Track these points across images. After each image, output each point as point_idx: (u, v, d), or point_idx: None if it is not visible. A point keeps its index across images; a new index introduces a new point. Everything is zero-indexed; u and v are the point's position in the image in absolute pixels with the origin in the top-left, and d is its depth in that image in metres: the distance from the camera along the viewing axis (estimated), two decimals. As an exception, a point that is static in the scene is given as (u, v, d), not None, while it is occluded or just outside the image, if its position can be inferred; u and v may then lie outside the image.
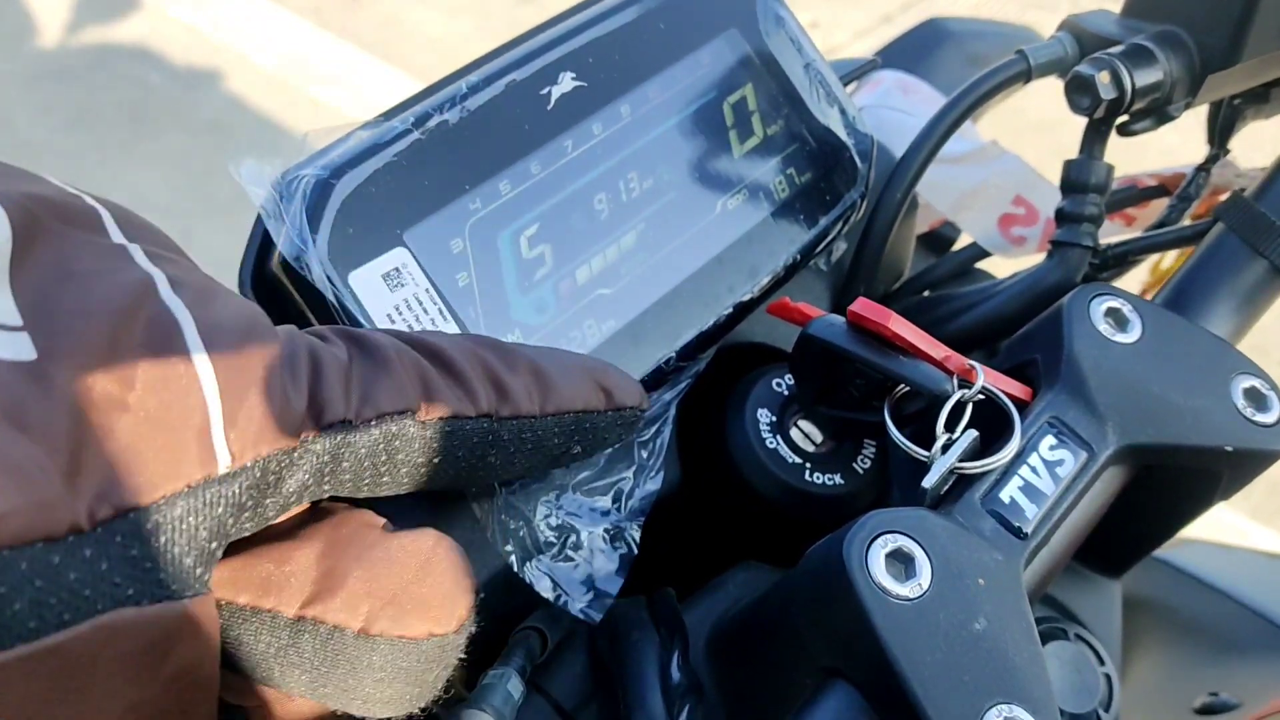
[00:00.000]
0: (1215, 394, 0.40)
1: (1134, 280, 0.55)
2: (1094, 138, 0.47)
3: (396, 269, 0.38)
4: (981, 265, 0.57)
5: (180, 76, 2.58)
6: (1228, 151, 0.52)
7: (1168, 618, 0.65)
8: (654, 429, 0.43)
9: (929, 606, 0.33)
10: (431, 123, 0.39)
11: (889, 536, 0.34)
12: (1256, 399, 0.41)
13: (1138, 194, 0.55)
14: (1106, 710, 0.42)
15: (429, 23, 2.80)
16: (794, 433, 0.45)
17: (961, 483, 0.37)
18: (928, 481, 0.37)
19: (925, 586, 0.33)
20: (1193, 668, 0.60)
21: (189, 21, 2.74)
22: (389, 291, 0.38)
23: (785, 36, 0.48)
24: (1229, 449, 0.39)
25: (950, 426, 0.38)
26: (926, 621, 0.33)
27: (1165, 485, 0.43)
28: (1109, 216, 0.56)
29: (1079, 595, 0.46)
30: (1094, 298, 0.41)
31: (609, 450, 0.42)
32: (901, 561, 0.34)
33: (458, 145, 0.40)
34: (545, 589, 0.39)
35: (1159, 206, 0.55)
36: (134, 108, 2.50)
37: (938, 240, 0.62)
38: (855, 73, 0.54)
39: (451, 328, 0.39)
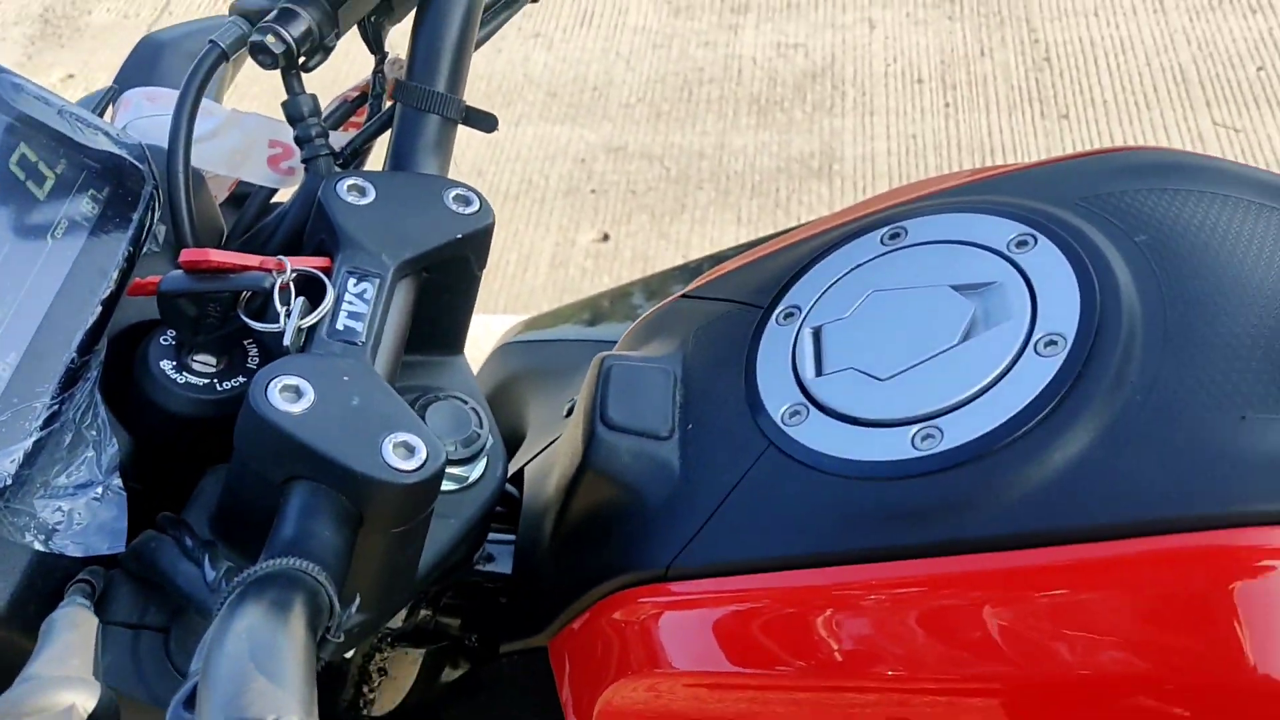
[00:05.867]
0: (436, 208, 0.62)
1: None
2: (289, 80, 0.65)
3: None
4: (278, 199, 0.74)
5: None
6: (386, 54, 0.72)
7: (543, 372, 0.91)
8: (91, 414, 0.56)
9: (319, 408, 0.51)
10: None
11: (276, 379, 0.51)
12: (464, 201, 0.63)
13: (349, 106, 0.74)
14: (481, 430, 0.63)
15: None
16: (195, 366, 0.59)
17: (311, 331, 0.55)
18: (286, 340, 0.54)
19: (312, 399, 0.51)
20: (560, 390, 0.85)
21: None
22: None
23: (30, 96, 0.61)
24: (458, 236, 0.61)
25: (285, 302, 0.55)
26: (319, 414, 0.50)
27: (445, 281, 0.64)
28: (344, 128, 0.75)
29: (438, 375, 0.66)
30: (336, 182, 0.60)
31: (65, 443, 0.55)
32: (291, 390, 0.51)
33: None
34: (74, 550, 0.51)
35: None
36: None
37: (243, 197, 0.78)
38: (102, 101, 0.68)
39: None
